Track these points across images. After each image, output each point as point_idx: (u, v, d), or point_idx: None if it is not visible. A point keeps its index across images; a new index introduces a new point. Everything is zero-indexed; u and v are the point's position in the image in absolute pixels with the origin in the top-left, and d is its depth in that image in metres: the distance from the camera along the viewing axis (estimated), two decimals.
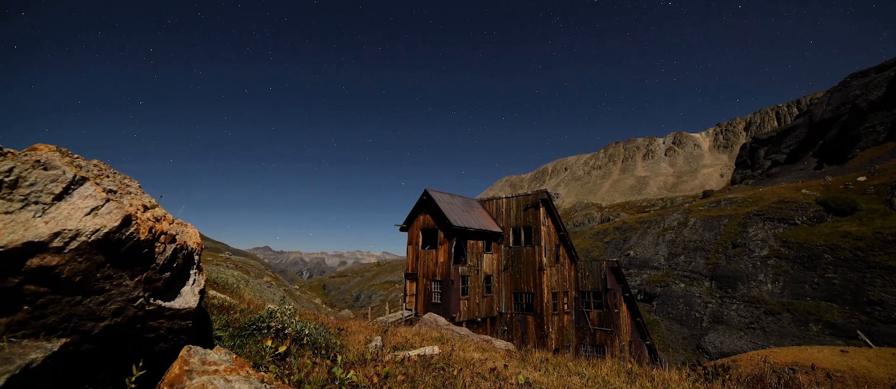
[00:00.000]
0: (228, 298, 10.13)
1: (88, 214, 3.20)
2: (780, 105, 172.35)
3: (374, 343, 7.91)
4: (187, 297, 3.87)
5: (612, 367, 8.63)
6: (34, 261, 2.96)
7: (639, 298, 50.20)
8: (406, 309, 28.53)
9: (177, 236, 3.85)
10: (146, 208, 3.67)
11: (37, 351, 2.88)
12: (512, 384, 6.35)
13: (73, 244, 3.08)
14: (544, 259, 29.30)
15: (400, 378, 5.57)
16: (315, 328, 6.83)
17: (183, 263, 3.90)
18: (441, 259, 27.54)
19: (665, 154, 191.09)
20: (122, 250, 3.33)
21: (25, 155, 3.19)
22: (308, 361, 5.28)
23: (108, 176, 3.63)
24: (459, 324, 25.81)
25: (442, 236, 27.80)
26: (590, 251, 68.23)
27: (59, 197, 3.16)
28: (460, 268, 27.63)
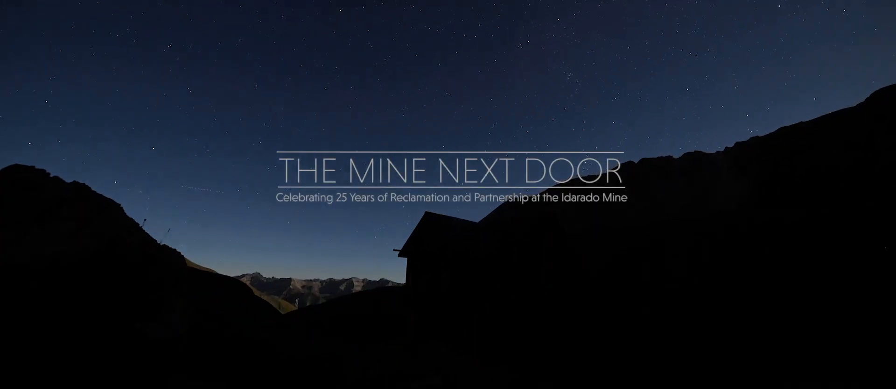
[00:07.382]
0: (218, 325, 10.08)
1: (69, 237, 3.23)
2: (804, 122, 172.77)
3: (372, 373, 7.84)
4: (173, 324, 3.88)
5: None
6: (13, 284, 2.99)
7: (656, 326, 49.52)
8: (406, 338, 28.27)
9: (162, 261, 3.88)
10: (129, 233, 3.72)
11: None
12: None
13: (53, 267, 3.11)
14: (552, 285, 29.04)
15: None
16: (309, 354, 6.79)
17: (168, 289, 3.92)
18: (442, 285, 27.33)
19: (681, 175, 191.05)
20: (105, 274, 3.36)
21: (5, 176, 3.25)
22: None
23: (89, 198, 3.68)
24: (462, 353, 25.51)
25: (443, 261, 27.60)
26: (601, 276, 67.70)
27: (38, 219, 3.20)
28: (463, 294, 27.42)
